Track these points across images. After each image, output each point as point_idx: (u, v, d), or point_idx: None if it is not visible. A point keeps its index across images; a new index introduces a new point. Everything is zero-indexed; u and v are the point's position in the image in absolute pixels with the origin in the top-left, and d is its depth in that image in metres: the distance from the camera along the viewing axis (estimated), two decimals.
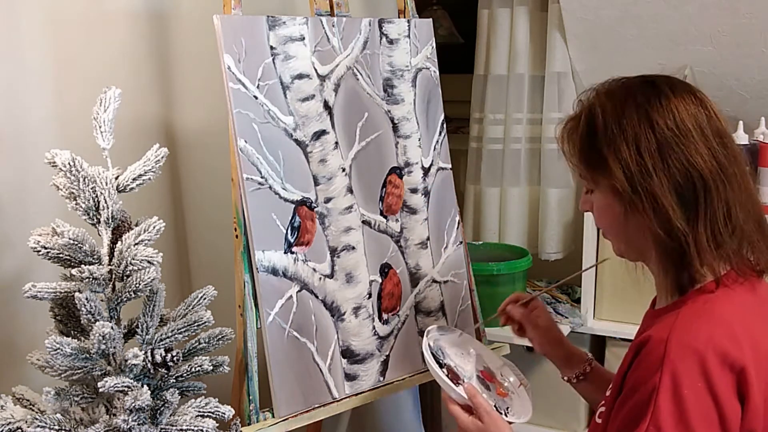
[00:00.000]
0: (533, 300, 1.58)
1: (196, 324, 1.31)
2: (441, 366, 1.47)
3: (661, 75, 1.20)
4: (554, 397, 2.26)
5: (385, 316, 1.72)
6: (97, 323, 1.20)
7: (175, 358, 1.26)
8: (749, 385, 1.06)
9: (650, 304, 1.32)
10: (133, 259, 1.24)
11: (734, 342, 1.07)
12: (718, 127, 1.16)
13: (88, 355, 1.22)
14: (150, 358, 1.25)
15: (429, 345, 1.49)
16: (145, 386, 1.23)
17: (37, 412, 1.30)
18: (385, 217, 1.74)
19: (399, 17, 1.84)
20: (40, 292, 1.23)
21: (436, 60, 1.87)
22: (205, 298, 1.36)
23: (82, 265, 1.23)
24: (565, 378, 1.54)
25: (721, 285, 1.14)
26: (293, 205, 1.58)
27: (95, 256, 1.25)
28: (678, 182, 1.13)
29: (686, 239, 1.13)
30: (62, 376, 1.24)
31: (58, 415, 1.26)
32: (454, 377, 1.47)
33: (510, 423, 1.36)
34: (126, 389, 1.21)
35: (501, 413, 1.38)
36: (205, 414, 1.32)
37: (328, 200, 1.64)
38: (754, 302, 1.17)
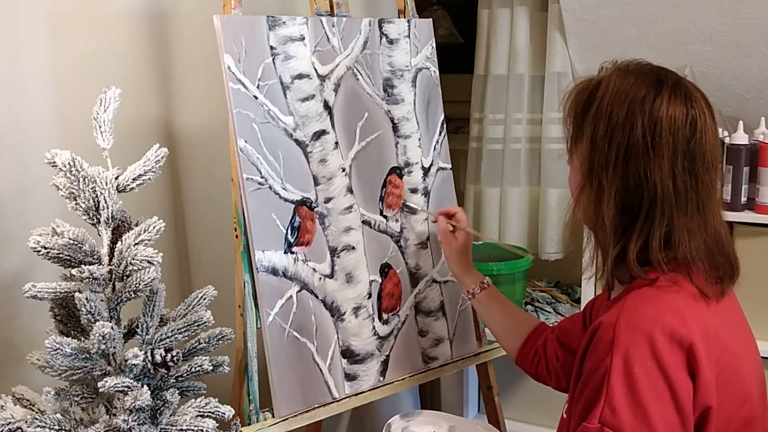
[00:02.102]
0: (459, 230, 1.67)
1: (196, 324, 1.32)
2: None
3: (676, 75, 1.18)
4: (551, 396, 2.26)
5: (385, 316, 1.72)
6: (97, 323, 1.20)
7: (175, 358, 1.26)
8: (698, 361, 1.08)
9: (604, 294, 1.34)
10: (133, 259, 1.24)
11: (681, 320, 1.09)
12: (697, 150, 1.14)
13: (88, 355, 1.22)
14: (150, 358, 1.25)
15: None
16: (145, 386, 1.23)
17: (37, 412, 1.30)
18: (385, 216, 1.74)
19: (399, 17, 1.84)
20: (40, 292, 1.23)
21: (436, 60, 1.87)
22: (205, 298, 1.36)
23: (82, 265, 1.23)
24: (467, 294, 1.65)
25: (668, 278, 1.15)
26: (293, 205, 1.58)
27: (95, 256, 1.25)
28: (628, 188, 1.14)
29: (615, 243, 1.16)
30: (62, 376, 1.24)
31: (58, 415, 1.26)
32: None
33: None
34: (126, 389, 1.21)
35: None
36: (205, 414, 1.32)
37: (328, 200, 1.64)
38: (705, 298, 1.16)
